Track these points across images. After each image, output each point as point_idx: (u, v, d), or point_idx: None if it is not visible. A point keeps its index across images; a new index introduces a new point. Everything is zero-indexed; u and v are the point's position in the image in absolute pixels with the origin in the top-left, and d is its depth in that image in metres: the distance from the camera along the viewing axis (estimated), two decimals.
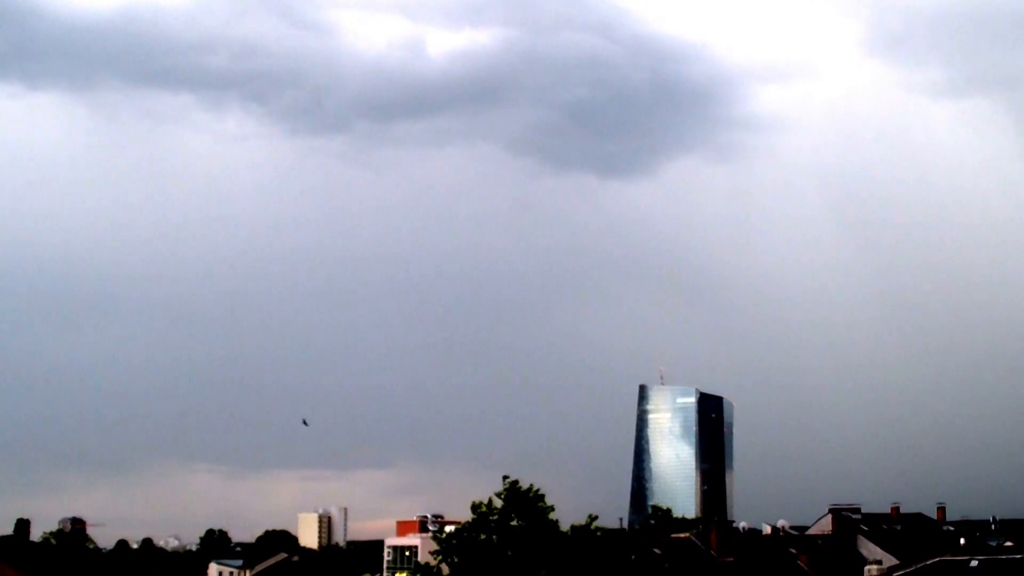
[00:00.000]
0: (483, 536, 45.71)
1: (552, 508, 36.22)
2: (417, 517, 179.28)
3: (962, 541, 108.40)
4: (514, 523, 42.79)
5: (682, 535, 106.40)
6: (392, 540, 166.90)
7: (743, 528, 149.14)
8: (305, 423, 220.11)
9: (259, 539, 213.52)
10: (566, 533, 39.95)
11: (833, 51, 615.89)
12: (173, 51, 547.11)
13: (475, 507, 42.46)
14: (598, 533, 33.76)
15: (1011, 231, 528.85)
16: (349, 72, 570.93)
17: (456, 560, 50.79)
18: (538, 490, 38.06)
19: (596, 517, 34.59)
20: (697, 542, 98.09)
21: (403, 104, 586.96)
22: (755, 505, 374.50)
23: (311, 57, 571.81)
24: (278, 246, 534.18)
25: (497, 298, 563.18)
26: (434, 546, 57.35)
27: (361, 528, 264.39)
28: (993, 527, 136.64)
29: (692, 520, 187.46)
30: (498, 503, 40.68)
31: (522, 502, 40.73)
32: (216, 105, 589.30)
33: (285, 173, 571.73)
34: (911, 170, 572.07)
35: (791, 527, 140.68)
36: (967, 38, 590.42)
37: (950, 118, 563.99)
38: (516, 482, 38.99)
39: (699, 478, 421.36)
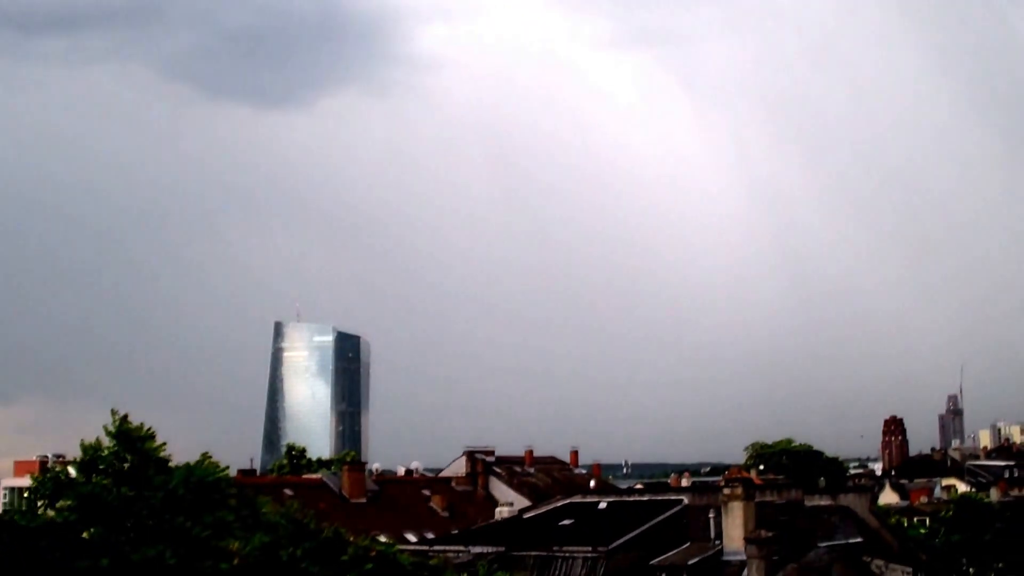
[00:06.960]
0: (95, 479, 41.52)
1: (163, 446, 32.36)
2: (37, 457, 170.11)
3: (592, 484, 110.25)
4: (127, 465, 38.96)
5: (314, 476, 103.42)
6: (8, 481, 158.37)
7: (376, 469, 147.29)
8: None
9: None
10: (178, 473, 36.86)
11: None
12: None
13: (85, 448, 38.06)
14: (211, 471, 30.56)
15: (664, 183, 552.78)
16: None
17: (70, 505, 45.97)
18: (149, 429, 34.03)
19: (209, 456, 31.29)
20: (329, 483, 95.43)
21: (49, 17, 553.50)
22: (391, 446, 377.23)
23: None
24: None
25: (134, 229, 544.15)
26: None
27: None
28: (625, 471, 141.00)
29: (326, 461, 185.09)
30: (107, 442, 36.57)
31: (132, 441, 36.68)
32: None
33: None
34: (566, 117, 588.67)
35: (425, 469, 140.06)
36: None
37: (612, 69, 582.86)
38: (126, 417, 34.83)
39: (335, 418, 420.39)
